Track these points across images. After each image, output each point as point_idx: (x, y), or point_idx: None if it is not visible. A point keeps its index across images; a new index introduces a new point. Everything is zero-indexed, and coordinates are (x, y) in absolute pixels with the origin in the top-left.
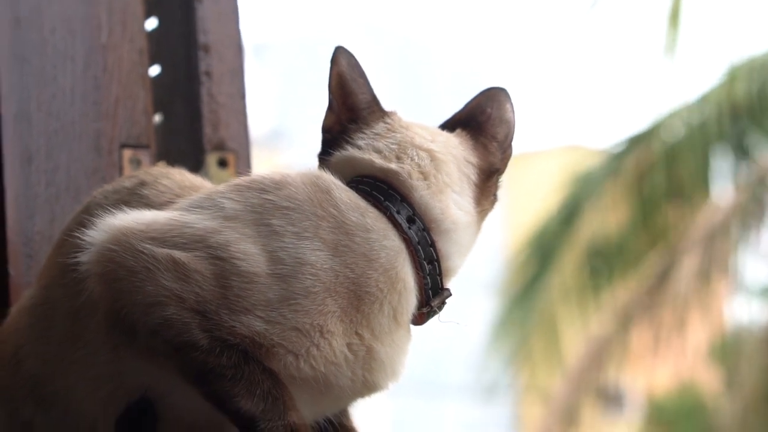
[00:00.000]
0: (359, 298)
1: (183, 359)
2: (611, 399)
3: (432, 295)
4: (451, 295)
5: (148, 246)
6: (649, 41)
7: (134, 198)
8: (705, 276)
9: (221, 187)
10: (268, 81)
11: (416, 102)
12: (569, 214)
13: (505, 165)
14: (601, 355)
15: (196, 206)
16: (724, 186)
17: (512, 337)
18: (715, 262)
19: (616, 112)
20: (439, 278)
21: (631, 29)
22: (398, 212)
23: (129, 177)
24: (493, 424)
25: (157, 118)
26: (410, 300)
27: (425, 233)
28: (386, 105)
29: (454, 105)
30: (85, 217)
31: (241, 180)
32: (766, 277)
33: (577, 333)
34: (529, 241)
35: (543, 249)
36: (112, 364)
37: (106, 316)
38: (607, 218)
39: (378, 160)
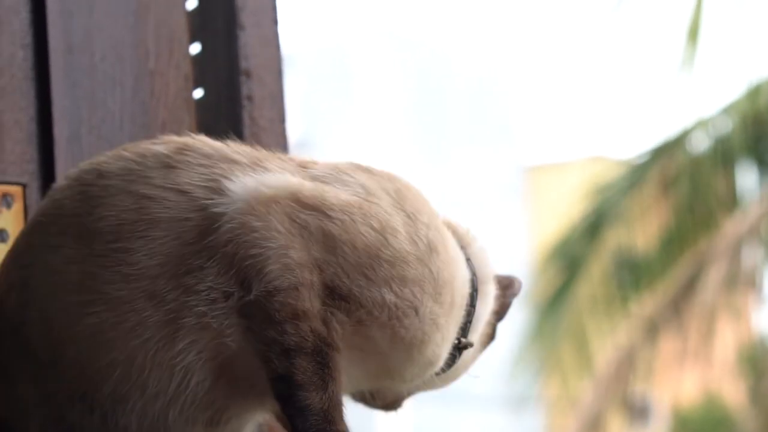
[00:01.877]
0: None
1: (286, 329)
2: (637, 410)
3: (463, 334)
4: (473, 346)
5: (302, 215)
6: (672, 52)
7: (190, 161)
8: (731, 286)
9: (343, 166)
10: (295, 90)
11: (437, 111)
12: (595, 224)
13: (504, 312)
14: (627, 365)
15: (331, 179)
16: (749, 197)
17: (541, 347)
18: (742, 273)
19: (640, 123)
20: (469, 324)
21: (654, 39)
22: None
23: (152, 143)
24: None
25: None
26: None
27: (474, 279)
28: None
29: (474, 114)
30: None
31: (361, 164)
32: None
33: (605, 343)
34: (555, 251)
35: (570, 259)
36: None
37: (226, 269)
38: (633, 228)
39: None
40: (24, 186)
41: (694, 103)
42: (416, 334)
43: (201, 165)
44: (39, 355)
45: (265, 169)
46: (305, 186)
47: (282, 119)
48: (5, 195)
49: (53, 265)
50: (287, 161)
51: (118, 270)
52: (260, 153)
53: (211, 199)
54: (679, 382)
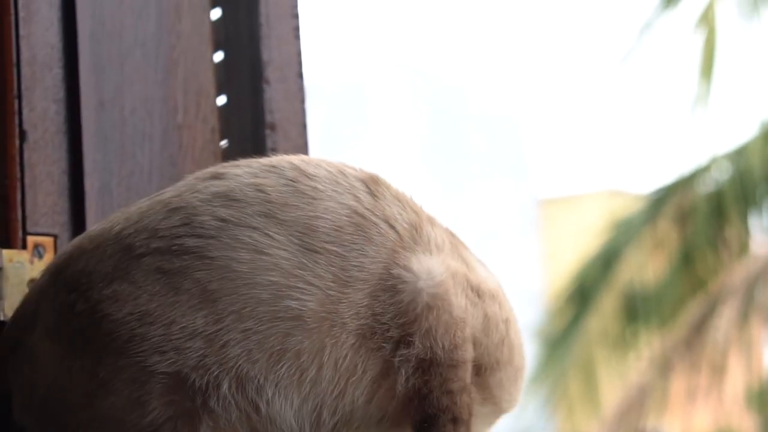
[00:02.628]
0: None
1: (456, 400)
2: None
3: None
4: None
5: (470, 294)
6: (687, 89)
7: (386, 196)
8: (744, 323)
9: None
10: (315, 120)
11: (452, 143)
12: (609, 258)
13: None
14: (639, 400)
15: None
16: (763, 235)
17: (550, 380)
18: (754, 310)
19: (655, 158)
20: None
21: (670, 75)
22: None
23: (335, 163)
24: None
25: None
26: None
27: None
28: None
29: (490, 146)
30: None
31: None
32: None
33: (615, 378)
34: (568, 284)
35: (582, 293)
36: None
37: (412, 323)
38: (646, 264)
39: None
40: (55, 237)
41: (708, 139)
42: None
43: (396, 205)
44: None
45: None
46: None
47: None
48: (37, 246)
49: (259, 244)
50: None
51: (330, 270)
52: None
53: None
54: (690, 418)
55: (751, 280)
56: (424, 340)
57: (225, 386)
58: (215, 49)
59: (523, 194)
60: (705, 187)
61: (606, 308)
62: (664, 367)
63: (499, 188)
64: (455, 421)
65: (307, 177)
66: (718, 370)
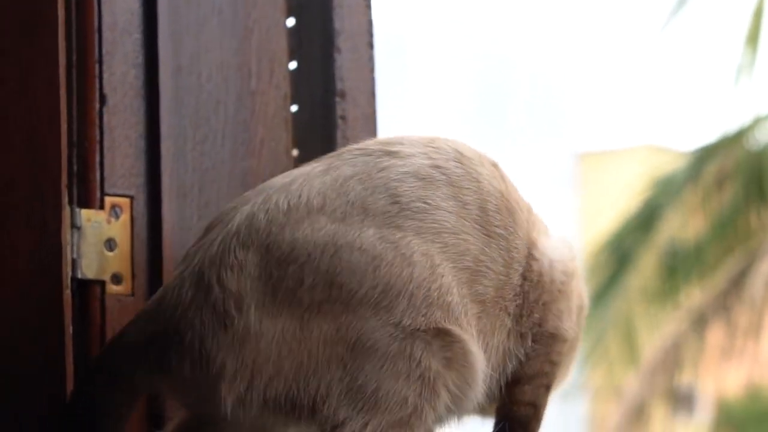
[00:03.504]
0: None
1: (554, 371)
2: (682, 401)
3: None
4: None
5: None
6: (730, 47)
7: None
8: None
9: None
10: None
11: (489, 97)
12: (649, 216)
13: None
14: (674, 356)
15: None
16: None
17: (588, 336)
18: None
19: (695, 113)
20: None
21: (717, 31)
22: None
23: (463, 146)
24: (567, 422)
25: (295, 152)
26: None
27: None
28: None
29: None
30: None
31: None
32: None
33: (653, 334)
34: (607, 242)
35: (621, 250)
36: None
37: (536, 301)
38: (686, 222)
39: None
40: (131, 198)
41: (752, 99)
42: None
43: (514, 189)
44: None
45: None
46: None
47: (374, 138)
48: (114, 206)
49: (454, 228)
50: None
51: (500, 254)
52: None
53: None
54: (724, 375)
55: None
56: (556, 319)
57: None
58: (288, 15)
59: (561, 148)
60: (748, 146)
61: (645, 266)
62: (699, 325)
63: (538, 143)
64: (548, 387)
65: (467, 159)
66: (754, 329)
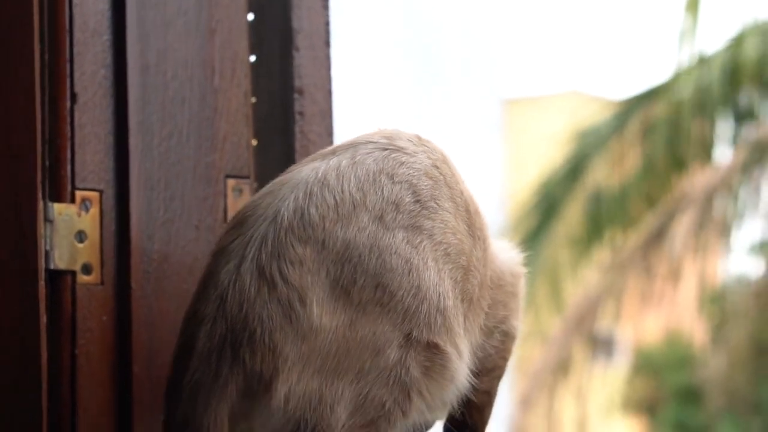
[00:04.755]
0: None
1: (504, 363)
2: (602, 346)
3: None
4: None
5: None
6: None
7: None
8: (700, 233)
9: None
10: None
11: (418, 41)
12: (575, 165)
13: None
14: (594, 305)
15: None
16: (725, 148)
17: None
18: (711, 220)
19: (619, 61)
20: None
21: None
22: None
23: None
24: None
25: (254, 142)
26: None
27: None
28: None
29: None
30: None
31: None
32: (759, 235)
33: (578, 281)
34: (534, 191)
35: (548, 198)
36: None
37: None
38: (611, 172)
39: None
40: (101, 192)
41: (681, 49)
42: None
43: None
44: None
45: None
46: None
47: (330, 134)
48: (84, 200)
49: (454, 229)
50: None
51: (482, 254)
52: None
53: None
54: (644, 322)
55: (709, 192)
56: (511, 318)
57: None
58: (249, 10)
59: (488, 95)
60: (671, 98)
61: (571, 214)
62: (620, 273)
63: (465, 89)
64: (500, 378)
65: (449, 160)
66: (673, 277)
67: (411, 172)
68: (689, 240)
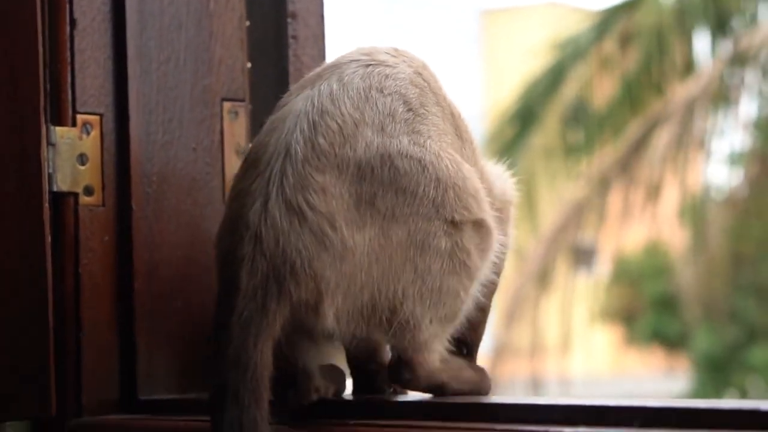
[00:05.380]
0: None
1: (491, 300)
2: (583, 257)
3: None
4: None
5: None
6: None
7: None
8: (681, 145)
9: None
10: None
11: None
12: (553, 77)
13: None
14: (575, 217)
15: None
16: (706, 59)
17: None
18: (691, 132)
19: None
20: None
21: None
22: None
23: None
24: None
25: (248, 65)
26: None
27: None
28: None
29: None
30: None
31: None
32: (738, 145)
33: (556, 193)
34: (512, 102)
35: (526, 110)
36: None
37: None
38: (590, 83)
39: None
40: (101, 116)
41: None
42: None
43: None
44: None
45: None
46: None
47: (323, 57)
48: (85, 123)
49: (443, 133)
50: None
51: (470, 157)
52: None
53: None
54: (624, 233)
55: (690, 103)
56: (503, 234)
57: None
58: None
59: (465, 5)
60: (651, 9)
61: (549, 126)
62: (601, 185)
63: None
64: (493, 294)
65: (429, 67)
66: (654, 189)
67: (397, 83)
68: (669, 152)
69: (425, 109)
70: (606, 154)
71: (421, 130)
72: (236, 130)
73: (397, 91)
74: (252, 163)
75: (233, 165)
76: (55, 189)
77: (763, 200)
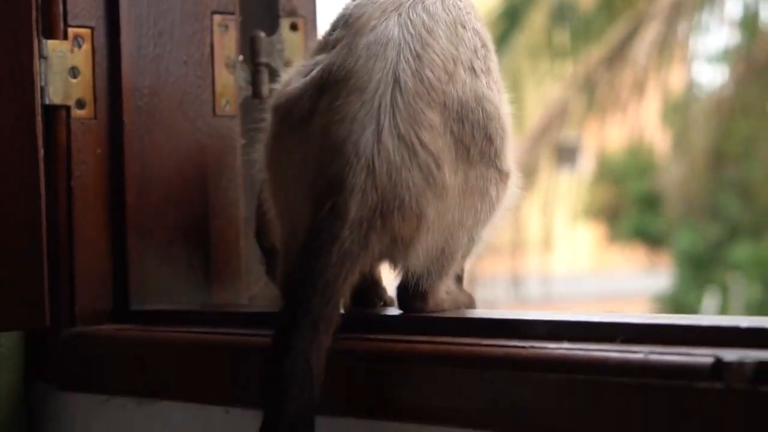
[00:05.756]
0: None
1: None
2: (567, 155)
3: None
4: None
5: None
6: None
7: None
8: (665, 43)
9: None
10: None
11: None
12: None
13: None
14: (559, 116)
15: None
16: None
17: None
18: (676, 30)
19: None
20: None
21: None
22: None
23: None
24: None
25: None
26: None
27: None
28: None
29: None
30: None
31: None
32: (723, 43)
33: (540, 92)
34: (497, 3)
35: (511, 9)
36: None
37: None
38: None
39: None
40: (92, 29)
41: None
42: None
43: None
44: None
45: None
46: None
47: None
48: (77, 37)
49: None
50: None
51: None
52: None
53: None
54: (608, 132)
55: (676, 1)
56: None
57: None
58: None
59: None
60: None
61: (534, 25)
62: (585, 85)
63: None
64: None
65: None
66: (637, 89)
67: (470, 16)
68: (654, 50)
69: (489, 44)
70: (592, 54)
71: (491, 68)
72: (226, 43)
73: (472, 26)
74: (354, 88)
75: (223, 78)
76: (47, 102)
77: (748, 99)
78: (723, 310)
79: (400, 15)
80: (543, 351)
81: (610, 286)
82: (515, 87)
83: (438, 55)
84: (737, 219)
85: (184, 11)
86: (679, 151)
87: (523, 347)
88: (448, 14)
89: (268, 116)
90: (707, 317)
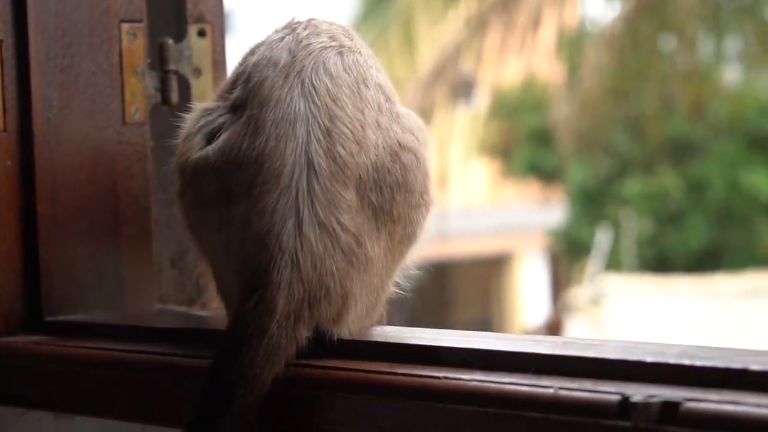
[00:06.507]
0: None
1: None
2: (462, 90)
3: None
4: None
5: None
6: None
7: None
8: None
9: None
10: None
11: None
12: None
13: None
14: (454, 55)
15: None
16: None
17: (371, 33)
18: None
19: None
20: None
21: None
22: None
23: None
24: None
25: None
26: None
27: None
28: None
29: None
30: None
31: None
32: None
33: (433, 30)
34: None
35: None
36: None
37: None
38: None
39: None
40: (1, 41)
41: None
42: None
43: None
44: None
45: None
46: None
47: None
48: None
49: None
50: None
51: None
52: None
53: None
54: (502, 68)
55: None
56: None
57: None
58: None
59: None
60: None
61: None
62: (479, 25)
63: None
64: None
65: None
66: (532, 26)
67: (370, 71)
68: None
69: (393, 96)
70: None
71: (400, 113)
72: (135, 51)
73: (374, 81)
74: (269, 175)
75: (133, 86)
76: None
77: (639, 35)
78: (615, 245)
79: (303, 83)
80: (456, 382)
81: (505, 220)
82: (408, 28)
83: (347, 126)
84: (628, 154)
85: (92, 22)
86: (572, 87)
87: (437, 377)
88: (349, 74)
89: (174, 175)
90: (614, 349)
